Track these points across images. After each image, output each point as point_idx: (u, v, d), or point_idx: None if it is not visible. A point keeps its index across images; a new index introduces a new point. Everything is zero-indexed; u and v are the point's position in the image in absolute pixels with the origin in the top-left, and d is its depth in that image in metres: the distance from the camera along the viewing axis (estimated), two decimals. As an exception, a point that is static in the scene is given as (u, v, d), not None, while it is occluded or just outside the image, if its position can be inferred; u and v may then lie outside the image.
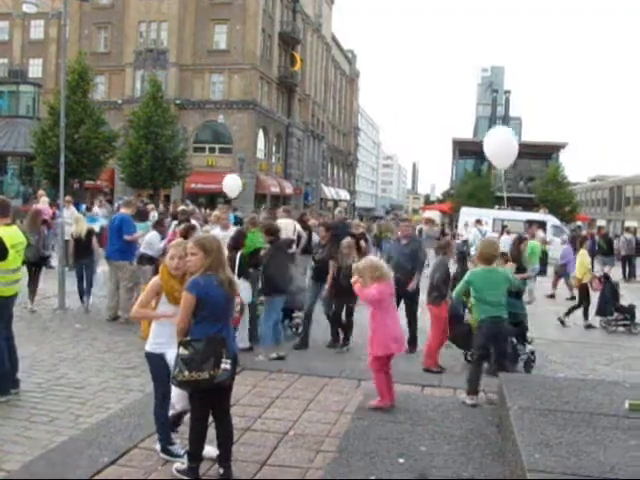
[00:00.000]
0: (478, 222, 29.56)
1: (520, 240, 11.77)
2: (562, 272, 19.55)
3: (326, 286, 10.96)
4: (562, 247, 21.75)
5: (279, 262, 9.91)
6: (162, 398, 5.57)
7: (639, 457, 4.62)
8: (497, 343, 7.69)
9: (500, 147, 16.64)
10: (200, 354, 4.94)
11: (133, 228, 12.27)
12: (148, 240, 12.13)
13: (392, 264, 10.65)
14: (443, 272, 10.07)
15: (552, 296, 19.34)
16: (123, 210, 12.71)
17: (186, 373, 4.93)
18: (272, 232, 10.21)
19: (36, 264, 12.48)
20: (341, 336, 11.07)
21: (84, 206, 28.16)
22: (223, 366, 4.97)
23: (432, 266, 10.94)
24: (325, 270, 11.02)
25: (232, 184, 24.73)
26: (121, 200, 22.06)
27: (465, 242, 30.80)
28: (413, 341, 10.86)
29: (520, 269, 11.20)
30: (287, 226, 13.99)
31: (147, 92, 43.18)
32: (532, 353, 10.22)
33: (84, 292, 13.03)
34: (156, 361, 5.47)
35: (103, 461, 5.47)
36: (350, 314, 10.95)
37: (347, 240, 10.98)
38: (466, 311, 10.09)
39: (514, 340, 10.15)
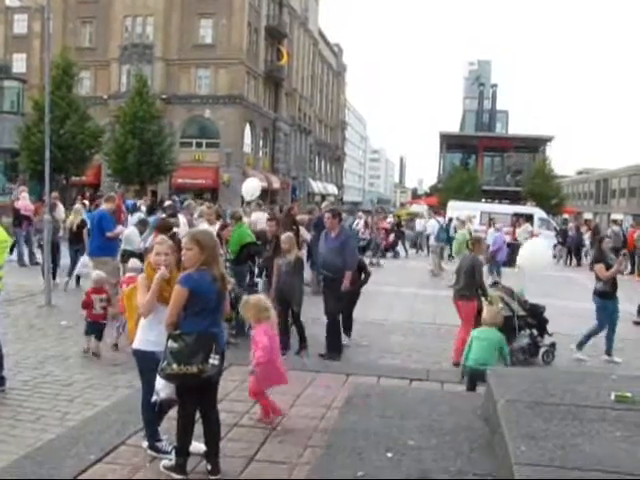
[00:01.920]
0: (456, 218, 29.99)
1: (601, 239, 11.72)
2: (493, 258, 20.07)
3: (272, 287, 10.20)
4: (493, 234, 22.05)
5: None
6: (151, 395, 5.53)
7: (625, 448, 4.64)
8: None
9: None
10: (190, 348, 4.94)
11: (112, 224, 12.23)
12: (127, 235, 12.14)
13: (320, 260, 10.57)
14: (471, 269, 10.08)
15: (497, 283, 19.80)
16: (103, 206, 12.66)
17: (174, 366, 4.92)
18: (167, 229, 9.40)
19: None
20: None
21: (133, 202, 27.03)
22: (211, 361, 4.96)
23: (459, 263, 10.89)
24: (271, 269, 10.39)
25: (250, 188, 24.60)
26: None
27: (420, 233, 31.22)
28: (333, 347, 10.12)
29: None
30: (259, 219, 14.10)
31: (133, 87, 43.04)
32: (552, 345, 10.36)
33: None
34: (145, 358, 5.44)
35: (90, 459, 5.44)
36: (297, 319, 10.15)
37: (287, 235, 10.39)
38: (485, 305, 10.24)
39: (534, 332, 10.30)
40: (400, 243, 31.19)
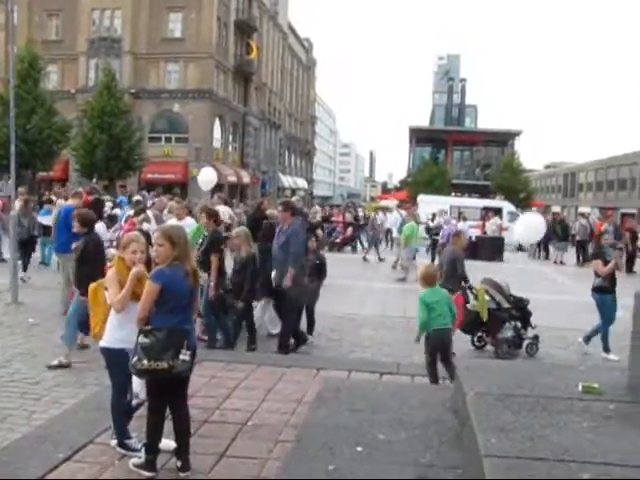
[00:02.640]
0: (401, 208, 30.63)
1: (600, 235, 11.82)
2: (440, 251, 20.37)
3: (211, 284, 9.59)
4: (444, 228, 22.54)
5: (90, 256, 8.56)
6: (120, 392, 5.51)
7: (591, 439, 4.69)
8: (443, 350, 8.13)
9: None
10: (160, 343, 4.92)
11: None
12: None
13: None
14: (452, 262, 10.29)
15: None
16: (70, 201, 12.50)
17: (145, 362, 4.90)
18: (87, 223, 8.89)
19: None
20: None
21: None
22: (182, 357, 4.94)
23: (440, 257, 11.02)
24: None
25: (206, 178, 24.33)
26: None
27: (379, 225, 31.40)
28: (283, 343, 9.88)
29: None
30: (223, 213, 14.08)
31: (101, 81, 42.59)
32: (536, 337, 10.52)
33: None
34: (115, 356, 5.39)
35: (57, 457, 5.36)
36: (244, 316, 9.92)
37: (239, 229, 10.22)
38: (471, 298, 10.39)
39: (518, 324, 10.45)
40: (358, 237, 31.15)
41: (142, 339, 4.96)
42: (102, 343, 5.52)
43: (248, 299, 9.79)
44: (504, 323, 10.46)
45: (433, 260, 23.93)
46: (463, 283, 10.55)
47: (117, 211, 18.01)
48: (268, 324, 10.92)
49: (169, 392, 5.19)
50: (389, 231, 30.99)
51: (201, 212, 10.94)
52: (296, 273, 9.60)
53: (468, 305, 10.46)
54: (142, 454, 5.21)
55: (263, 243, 10.92)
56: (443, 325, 8.01)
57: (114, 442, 5.58)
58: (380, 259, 25.32)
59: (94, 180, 37.34)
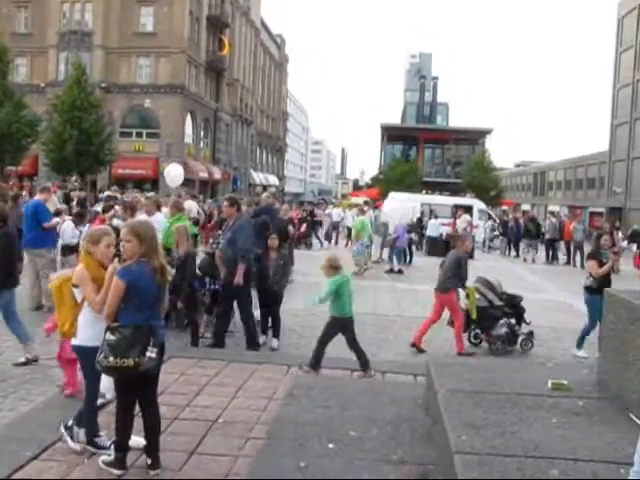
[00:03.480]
0: (366, 204, 30.87)
1: (599, 236, 11.80)
2: (392, 245, 21.47)
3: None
4: (396, 224, 22.90)
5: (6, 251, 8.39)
6: (95, 390, 5.49)
7: (561, 434, 4.75)
8: (347, 337, 8.50)
9: None
10: (126, 340, 4.88)
11: (49, 214, 11.96)
12: (63, 229, 11.96)
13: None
14: (457, 263, 10.47)
15: (391, 270, 21.10)
16: (38, 196, 12.36)
17: (111, 359, 4.86)
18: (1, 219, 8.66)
19: None
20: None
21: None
22: (148, 354, 4.90)
23: (444, 258, 11.19)
24: None
25: (173, 174, 24.05)
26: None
27: (337, 223, 31.59)
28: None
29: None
30: (191, 208, 14.01)
31: (71, 75, 42.07)
32: (530, 333, 10.63)
33: None
34: (89, 354, 5.33)
35: (25, 456, 5.29)
36: (186, 315, 9.82)
37: (178, 225, 10.08)
38: (462, 297, 10.50)
39: (512, 321, 10.57)
40: (314, 233, 31.17)
41: (109, 336, 4.93)
42: (75, 342, 5.45)
43: (188, 300, 9.40)
44: (498, 320, 10.59)
45: (411, 257, 24.10)
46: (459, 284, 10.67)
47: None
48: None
49: (138, 389, 5.14)
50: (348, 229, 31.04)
51: (171, 207, 10.86)
52: (246, 269, 9.39)
53: (460, 303, 10.60)
54: (112, 452, 5.16)
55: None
56: (344, 314, 8.37)
57: (70, 441, 5.48)
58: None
59: (74, 177, 36.79)
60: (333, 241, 31.78)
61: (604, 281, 10.52)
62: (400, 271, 21.15)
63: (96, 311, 5.26)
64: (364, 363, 8.38)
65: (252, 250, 9.85)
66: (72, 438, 5.46)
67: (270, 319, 10.41)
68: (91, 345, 5.27)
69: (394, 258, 21.61)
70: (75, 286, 5.45)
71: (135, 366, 4.86)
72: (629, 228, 31.83)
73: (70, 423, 5.51)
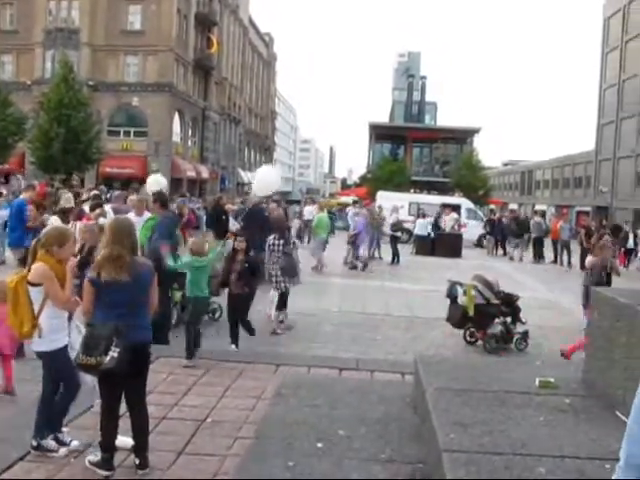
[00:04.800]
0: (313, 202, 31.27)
1: (600, 236, 11.76)
2: (353, 242, 21.56)
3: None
4: (355, 219, 23.07)
5: None
6: (71, 391, 5.50)
7: (548, 432, 4.78)
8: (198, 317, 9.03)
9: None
10: (91, 339, 4.93)
11: (26, 212, 11.91)
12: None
13: None
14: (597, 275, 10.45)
15: (354, 267, 21.18)
16: (23, 195, 12.31)
17: (80, 356, 4.94)
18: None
19: None
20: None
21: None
22: (111, 354, 4.87)
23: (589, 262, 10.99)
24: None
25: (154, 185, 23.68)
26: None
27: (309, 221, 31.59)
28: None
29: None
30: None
31: (58, 73, 41.85)
32: (525, 333, 10.66)
33: None
34: (58, 355, 5.33)
35: (12, 457, 5.27)
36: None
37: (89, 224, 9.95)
38: (460, 294, 10.50)
39: (507, 320, 10.60)
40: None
41: (85, 333, 5.05)
42: (40, 348, 5.40)
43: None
44: (494, 318, 10.61)
45: (395, 254, 24.09)
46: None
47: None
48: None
49: (123, 389, 5.14)
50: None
51: (154, 201, 10.63)
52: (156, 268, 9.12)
53: (458, 300, 10.62)
54: (98, 452, 5.15)
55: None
56: (203, 294, 8.89)
57: (59, 450, 5.43)
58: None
59: (74, 177, 36.39)
60: (306, 240, 31.20)
61: (603, 279, 10.58)
62: (365, 267, 21.27)
63: (65, 307, 5.27)
64: (190, 351, 8.45)
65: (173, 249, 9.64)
66: (50, 450, 5.38)
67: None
68: (58, 347, 5.30)
69: (358, 254, 21.61)
70: (32, 285, 5.33)
71: (97, 365, 4.88)
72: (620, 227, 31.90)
73: (35, 443, 5.41)
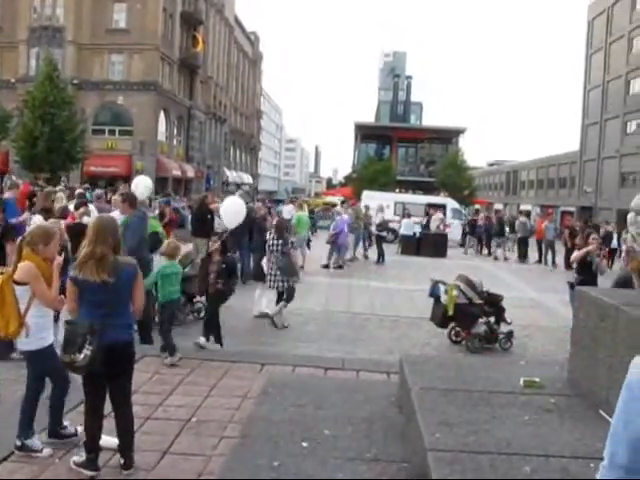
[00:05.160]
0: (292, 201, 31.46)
1: (587, 236, 11.67)
2: (334, 241, 21.54)
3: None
4: (337, 219, 23.11)
5: None
6: (63, 386, 5.54)
7: (532, 431, 4.80)
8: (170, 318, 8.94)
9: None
10: (67, 337, 4.93)
11: (16, 210, 11.83)
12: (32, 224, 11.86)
13: None
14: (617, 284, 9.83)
15: (326, 266, 21.17)
16: (7, 194, 12.22)
17: (60, 353, 4.99)
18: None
19: None
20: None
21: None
22: (84, 352, 4.85)
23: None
24: None
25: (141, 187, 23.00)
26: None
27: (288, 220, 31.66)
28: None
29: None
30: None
31: (42, 71, 41.57)
32: (510, 333, 10.67)
33: None
34: (45, 353, 5.32)
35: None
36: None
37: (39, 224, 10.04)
38: (442, 293, 10.51)
39: (491, 320, 10.63)
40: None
41: (64, 331, 5.04)
42: (28, 347, 5.41)
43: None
44: (477, 318, 10.63)
45: (380, 254, 24.13)
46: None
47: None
48: (263, 306, 12.12)
49: (110, 389, 5.12)
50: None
51: (123, 201, 10.48)
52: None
53: (441, 300, 10.65)
54: (83, 452, 5.12)
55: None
56: (173, 297, 8.84)
57: (44, 451, 5.40)
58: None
59: (62, 179, 36.06)
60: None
61: (589, 278, 10.60)
62: (340, 267, 21.32)
63: (51, 306, 5.25)
64: (171, 349, 8.47)
65: (140, 250, 9.41)
66: (34, 450, 5.36)
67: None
68: (45, 345, 5.32)
69: (334, 254, 21.57)
70: (18, 284, 5.31)
71: (70, 363, 4.89)
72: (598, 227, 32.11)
73: (19, 443, 5.38)
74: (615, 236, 29.97)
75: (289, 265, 11.76)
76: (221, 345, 9.46)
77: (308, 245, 21.53)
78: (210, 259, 9.75)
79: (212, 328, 9.54)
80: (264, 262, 12.10)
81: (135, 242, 9.11)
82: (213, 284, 9.50)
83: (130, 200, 9.86)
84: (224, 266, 9.71)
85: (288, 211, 32.39)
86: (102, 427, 5.15)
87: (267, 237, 12.13)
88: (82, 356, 4.84)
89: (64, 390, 5.55)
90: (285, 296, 11.69)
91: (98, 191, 19.65)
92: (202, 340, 9.38)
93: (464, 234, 34.01)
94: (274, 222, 13.11)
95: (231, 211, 13.06)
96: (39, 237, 5.45)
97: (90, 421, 5.09)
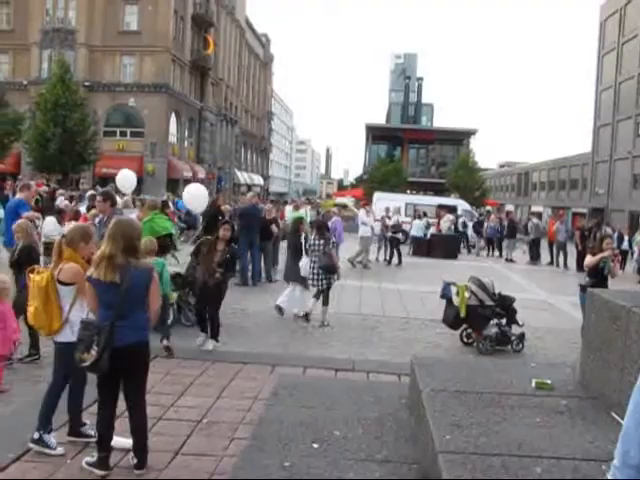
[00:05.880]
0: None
1: (602, 239, 11.61)
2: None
3: None
4: (334, 220, 22.96)
5: None
6: (81, 384, 5.62)
7: (544, 433, 4.79)
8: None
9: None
10: (80, 336, 5.05)
11: (29, 211, 11.87)
12: (45, 225, 11.96)
13: None
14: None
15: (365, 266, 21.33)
16: (19, 195, 12.25)
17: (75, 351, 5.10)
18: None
19: None
20: None
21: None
22: (92, 352, 4.94)
23: None
24: None
25: (124, 180, 22.11)
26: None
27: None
28: None
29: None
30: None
31: (54, 73, 41.76)
32: (522, 335, 10.66)
33: None
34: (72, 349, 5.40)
35: (9, 457, 5.27)
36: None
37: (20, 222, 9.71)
38: (453, 294, 10.50)
39: (503, 322, 10.61)
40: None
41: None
42: (60, 339, 5.52)
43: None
44: (488, 320, 10.62)
45: (392, 255, 24.12)
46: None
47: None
48: (294, 306, 12.44)
49: (124, 388, 5.16)
50: None
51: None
52: None
53: (453, 301, 10.64)
54: (95, 452, 5.15)
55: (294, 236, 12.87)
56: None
57: (57, 449, 5.47)
58: None
59: (82, 182, 36.03)
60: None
61: (600, 281, 10.53)
62: (365, 266, 21.45)
63: (93, 304, 5.27)
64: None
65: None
66: (48, 446, 5.42)
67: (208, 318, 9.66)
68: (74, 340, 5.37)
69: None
70: (63, 284, 5.44)
71: (80, 362, 4.99)
72: (614, 228, 32.02)
73: (36, 436, 5.45)
74: (626, 238, 29.84)
75: (331, 264, 12.01)
76: (217, 340, 9.48)
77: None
78: (215, 246, 9.55)
79: (213, 326, 9.47)
80: (301, 263, 12.24)
81: None
82: (213, 274, 9.24)
83: (112, 200, 9.85)
84: (228, 256, 9.56)
85: (289, 211, 32.59)
86: (114, 427, 5.18)
87: (306, 238, 12.55)
88: (89, 356, 4.93)
89: (81, 387, 5.64)
90: (323, 297, 12.12)
91: (90, 192, 19.53)
92: (210, 343, 9.39)
93: (465, 235, 33.88)
94: (315, 223, 13.50)
95: (195, 196, 13.41)
96: (80, 236, 5.60)
97: (102, 419, 5.12)
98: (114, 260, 5.01)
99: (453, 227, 31.64)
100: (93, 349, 4.91)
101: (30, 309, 5.54)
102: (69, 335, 5.42)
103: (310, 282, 12.17)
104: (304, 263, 12.14)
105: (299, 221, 13.46)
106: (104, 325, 4.96)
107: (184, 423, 6.23)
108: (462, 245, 31.68)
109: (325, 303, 12.11)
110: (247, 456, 5.16)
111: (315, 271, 11.94)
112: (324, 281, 11.98)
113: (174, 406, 6.73)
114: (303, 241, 12.44)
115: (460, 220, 33.39)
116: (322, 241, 11.98)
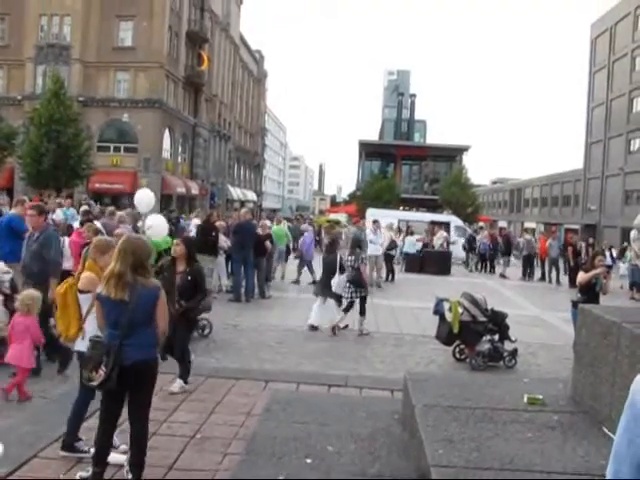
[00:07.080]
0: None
1: (594, 256, 11.65)
2: (301, 256, 21.79)
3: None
4: (305, 235, 23.13)
5: None
6: (87, 399, 5.68)
7: (535, 448, 4.82)
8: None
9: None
10: (87, 354, 5.08)
11: (24, 225, 11.85)
12: None
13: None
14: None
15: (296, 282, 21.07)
16: (13, 210, 12.24)
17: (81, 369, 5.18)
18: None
19: None
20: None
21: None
22: (100, 372, 4.95)
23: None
24: None
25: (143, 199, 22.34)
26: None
27: None
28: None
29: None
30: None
31: (49, 88, 41.81)
32: (514, 350, 10.68)
33: None
34: None
35: (0, 472, 5.26)
36: None
37: None
38: (446, 310, 10.53)
39: (495, 338, 10.64)
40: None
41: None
42: (79, 347, 5.61)
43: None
44: (481, 336, 10.65)
45: (388, 272, 24.10)
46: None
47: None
48: (324, 318, 13.05)
49: (128, 403, 5.17)
50: None
51: (39, 214, 10.17)
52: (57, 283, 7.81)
53: (446, 317, 10.67)
54: (90, 467, 5.16)
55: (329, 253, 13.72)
56: None
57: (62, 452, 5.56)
58: None
59: (84, 198, 35.90)
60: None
61: (592, 297, 10.58)
62: (379, 285, 21.32)
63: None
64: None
65: (61, 263, 9.44)
66: (81, 452, 5.60)
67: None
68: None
69: (301, 270, 21.55)
70: (82, 292, 5.59)
71: (88, 380, 5.02)
72: (602, 245, 32.15)
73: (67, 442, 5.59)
74: (608, 254, 29.89)
75: (360, 279, 12.92)
76: (185, 383, 8.11)
77: (286, 258, 21.94)
78: (173, 270, 8.35)
79: (180, 363, 8.13)
80: (334, 281, 13.06)
81: (58, 255, 9.33)
82: (174, 304, 7.79)
83: (45, 213, 9.75)
84: (189, 278, 8.22)
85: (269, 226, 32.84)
86: (112, 442, 5.20)
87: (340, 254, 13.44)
88: (97, 376, 4.94)
89: (87, 402, 5.72)
90: (360, 308, 12.94)
91: (84, 208, 19.55)
92: (178, 384, 8.03)
93: (465, 251, 33.95)
94: (351, 242, 14.11)
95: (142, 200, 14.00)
96: (102, 247, 5.77)
97: (103, 435, 5.13)
98: (123, 278, 5.00)
99: (446, 244, 31.71)
100: (101, 369, 4.91)
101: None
102: (82, 343, 5.50)
103: (343, 296, 13.05)
104: (338, 280, 12.96)
105: (335, 239, 14.23)
106: (113, 344, 4.95)
107: (177, 438, 6.23)
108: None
109: (362, 313, 12.95)
110: (240, 471, 5.17)
111: (345, 284, 12.89)
112: (353, 294, 12.85)
113: (167, 421, 6.73)
114: (339, 259, 13.27)
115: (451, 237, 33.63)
116: (353, 257, 12.98)
